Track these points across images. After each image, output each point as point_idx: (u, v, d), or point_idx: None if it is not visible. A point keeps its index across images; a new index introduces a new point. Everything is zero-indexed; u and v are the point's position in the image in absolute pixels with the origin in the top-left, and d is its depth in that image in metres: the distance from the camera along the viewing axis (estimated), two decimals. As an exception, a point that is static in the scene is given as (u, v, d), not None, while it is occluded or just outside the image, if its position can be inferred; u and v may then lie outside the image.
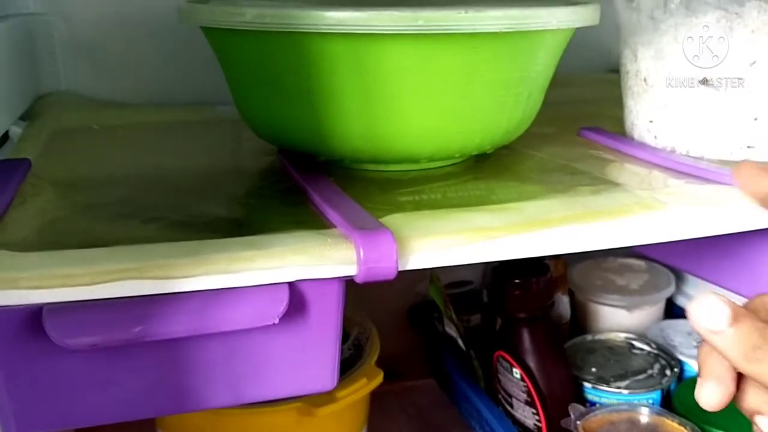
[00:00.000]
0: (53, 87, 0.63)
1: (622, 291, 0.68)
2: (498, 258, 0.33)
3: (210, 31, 0.43)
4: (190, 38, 0.66)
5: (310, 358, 0.33)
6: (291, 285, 0.31)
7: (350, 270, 0.31)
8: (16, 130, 0.53)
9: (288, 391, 0.33)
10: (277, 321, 0.31)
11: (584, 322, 0.69)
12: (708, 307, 0.31)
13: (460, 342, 0.63)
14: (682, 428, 0.52)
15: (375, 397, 0.58)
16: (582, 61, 0.72)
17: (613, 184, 0.40)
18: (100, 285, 0.28)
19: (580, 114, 0.60)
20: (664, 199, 0.38)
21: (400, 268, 0.32)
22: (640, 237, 0.35)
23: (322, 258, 0.31)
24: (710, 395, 0.31)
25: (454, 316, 0.63)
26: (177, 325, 0.29)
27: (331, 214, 0.34)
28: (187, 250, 0.30)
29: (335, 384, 0.34)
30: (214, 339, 0.31)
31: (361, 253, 0.31)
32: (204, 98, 0.67)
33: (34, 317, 0.29)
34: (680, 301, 0.74)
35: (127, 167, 0.47)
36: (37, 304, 0.28)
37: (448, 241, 0.33)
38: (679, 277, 0.73)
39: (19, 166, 0.42)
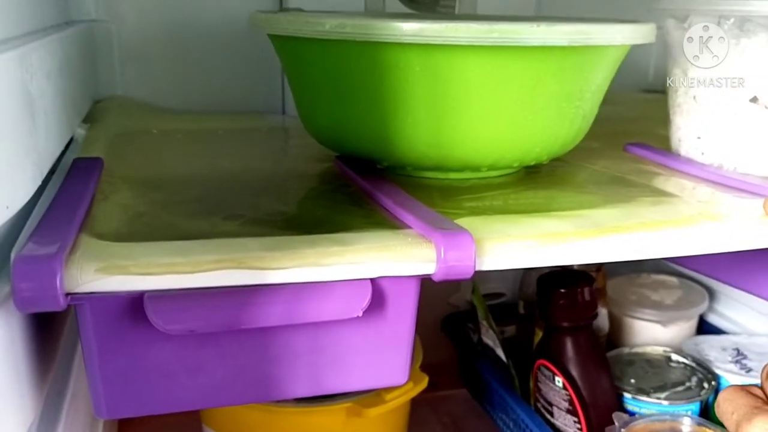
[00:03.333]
0: (110, 92, 0.65)
1: (657, 306, 0.69)
2: (571, 262, 0.34)
3: (282, 40, 0.44)
4: (241, 49, 0.68)
5: (386, 353, 0.35)
6: (373, 281, 0.33)
7: (429, 268, 0.33)
8: (80, 132, 0.54)
9: (364, 384, 0.35)
10: (360, 314, 0.32)
11: (619, 336, 0.70)
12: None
13: (499, 351, 0.64)
14: (723, 440, 0.52)
15: (411, 406, 0.59)
16: (619, 81, 0.74)
17: (671, 196, 0.42)
18: (201, 273, 0.29)
19: (623, 131, 0.62)
20: (723, 211, 0.39)
21: (477, 269, 0.33)
22: (704, 247, 0.36)
23: (404, 256, 0.32)
24: None
25: (494, 325, 0.64)
26: (270, 315, 0.31)
27: (405, 216, 0.36)
28: (279, 244, 0.31)
29: (407, 379, 0.36)
30: (300, 330, 0.32)
31: (442, 253, 0.32)
32: (253, 107, 0.69)
33: (133, 304, 0.30)
34: (711, 318, 0.75)
35: (194, 168, 0.48)
36: (138, 291, 0.30)
37: (522, 243, 0.34)
38: (711, 294, 0.74)
39: (94, 165, 0.44)
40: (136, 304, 0.30)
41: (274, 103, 0.70)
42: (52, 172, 0.44)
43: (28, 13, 0.42)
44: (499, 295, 0.79)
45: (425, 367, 0.62)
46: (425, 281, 0.34)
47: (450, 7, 0.68)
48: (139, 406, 0.32)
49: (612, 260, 0.35)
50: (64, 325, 0.38)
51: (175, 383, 0.32)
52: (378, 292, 0.33)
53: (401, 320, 0.34)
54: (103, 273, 0.28)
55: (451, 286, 0.77)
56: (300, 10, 0.57)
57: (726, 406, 0.32)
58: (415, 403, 0.62)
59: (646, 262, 0.75)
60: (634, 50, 0.46)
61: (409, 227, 0.35)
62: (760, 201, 0.42)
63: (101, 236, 0.32)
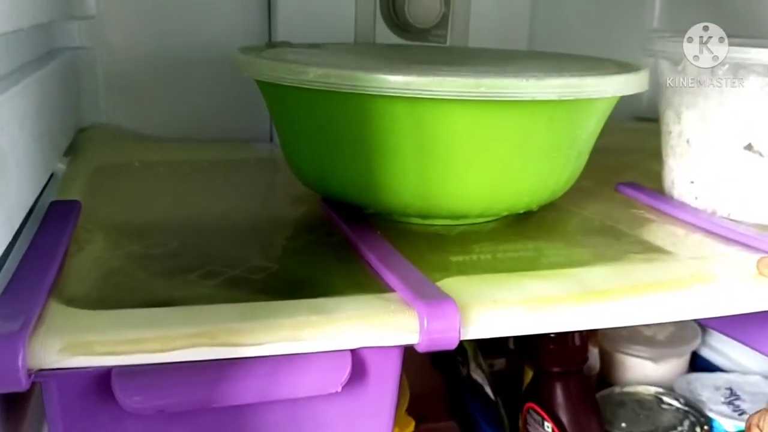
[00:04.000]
0: (93, 120, 0.64)
1: (649, 342, 0.68)
2: (560, 329, 0.33)
3: (265, 85, 0.43)
4: (227, 77, 0.67)
5: (366, 424, 0.33)
6: (353, 352, 0.31)
7: (412, 339, 0.31)
8: (60, 167, 0.53)
9: (344, 456, 0.33)
10: (340, 389, 0.31)
11: (611, 373, 0.69)
12: None
13: (488, 389, 0.63)
14: (714, 489, 0.51)
15: (399, 439, 0.58)
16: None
17: (663, 252, 0.41)
18: (170, 352, 0.28)
19: (615, 165, 0.60)
20: (715, 270, 0.38)
21: (462, 338, 0.32)
22: (696, 311, 0.35)
23: (386, 326, 0.31)
24: None
25: (483, 363, 0.63)
26: (244, 392, 0.29)
27: (389, 277, 0.35)
28: (255, 313, 0.30)
29: (388, 449, 0.34)
30: (276, 406, 0.31)
31: (425, 323, 0.31)
32: (240, 134, 0.68)
33: (101, 380, 0.29)
34: (705, 352, 0.75)
35: (174, 212, 0.47)
36: (106, 367, 0.28)
37: (509, 311, 0.33)
38: (704, 330, 0.73)
39: (72, 209, 0.43)
40: (104, 380, 0.29)
41: (262, 131, 0.69)
42: (29, 213, 0.43)
43: (3, 53, 0.40)
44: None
45: (415, 398, 0.61)
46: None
47: (441, 36, 0.67)
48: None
49: (603, 326, 0.34)
50: (29, 399, 0.36)
51: (145, 460, 0.31)
52: (358, 363, 0.32)
53: (383, 391, 0.33)
54: (67, 352, 0.27)
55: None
56: (287, 43, 0.56)
57: None
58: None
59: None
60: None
61: (393, 290, 0.34)
62: (754, 256, 0.41)
63: (71, 302, 0.31)
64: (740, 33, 0.48)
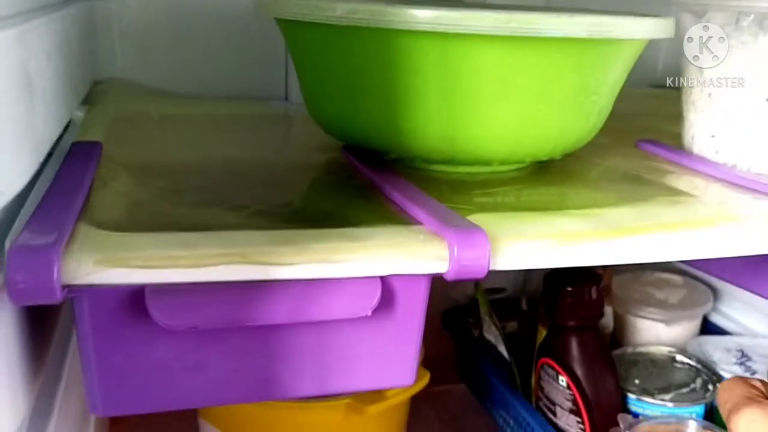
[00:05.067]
0: (109, 74, 0.64)
1: (662, 305, 0.69)
2: (589, 263, 0.33)
3: (291, 25, 0.43)
4: (243, 33, 0.67)
5: (394, 353, 0.33)
6: (383, 279, 0.31)
7: (442, 267, 0.31)
8: (78, 114, 0.53)
9: (371, 385, 0.34)
10: (369, 313, 0.31)
11: (623, 335, 0.69)
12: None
13: (501, 348, 0.63)
14: (728, 444, 0.52)
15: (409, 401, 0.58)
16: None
17: (688, 195, 0.40)
18: (205, 268, 0.28)
19: (633, 127, 0.60)
20: (740, 212, 0.38)
21: (491, 268, 0.32)
22: (723, 249, 0.35)
23: (416, 254, 0.31)
24: None
25: (497, 322, 0.63)
26: (275, 312, 0.29)
27: (416, 211, 0.34)
28: (286, 238, 0.30)
29: (414, 380, 0.34)
30: (306, 328, 0.31)
31: (456, 251, 0.31)
32: (255, 92, 0.67)
33: (133, 297, 0.29)
34: (715, 317, 0.75)
35: (195, 156, 0.47)
36: (139, 285, 0.28)
37: (538, 243, 0.33)
38: (715, 294, 0.73)
39: (93, 149, 0.43)
40: (136, 298, 0.29)
41: (278, 90, 0.68)
42: (49, 155, 0.43)
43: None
44: (501, 290, 0.78)
45: (424, 360, 0.61)
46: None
47: (460, -5, 0.67)
48: (136, 403, 0.31)
49: (631, 262, 0.34)
50: (58, 316, 0.36)
51: (175, 381, 0.31)
52: (387, 290, 0.32)
53: (410, 320, 0.33)
54: (103, 265, 0.27)
55: (452, 279, 0.76)
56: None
57: (723, 395, 0.31)
58: (414, 399, 0.61)
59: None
60: (645, 45, 0.45)
61: (420, 223, 0.34)
62: (779, 203, 0.41)
63: (101, 225, 0.31)
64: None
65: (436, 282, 0.32)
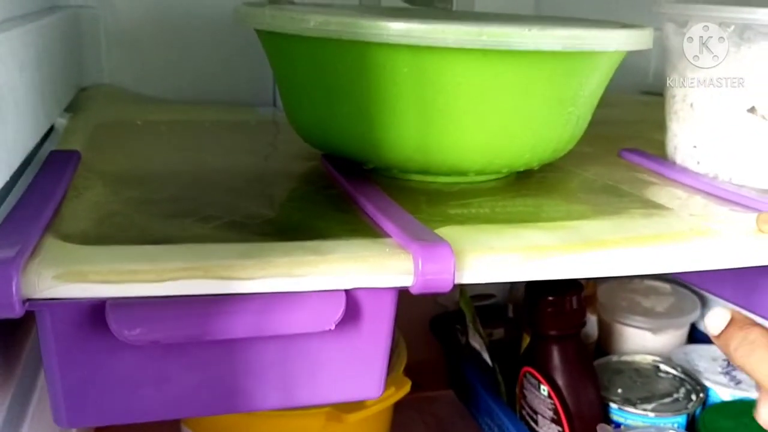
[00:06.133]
0: (96, 80, 0.64)
1: (648, 313, 0.68)
2: (554, 276, 0.33)
3: (268, 36, 0.43)
4: (231, 39, 0.67)
5: (360, 366, 0.33)
6: (347, 292, 0.31)
7: (407, 281, 0.31)
8: (61, 121, 0.53)
9: (337, 397, 0.34)
10: (333, 327, 0.31)
11: (609, 342, 0.69)
12: (711, 316, 0.35)
13: (485, 355, 0.63)
14: (708, 455, 0.52)
15: (394, 406, 0.58)
16: (617, 83, 0.73)
17: (663, 208, 0.40)
18: (166, 283, 0.28)
19: (618, 135, 0.60)
20: (714, 227, 0.38)
21: (456, 282, 0.32)
22: (694, 263, 0.35)
23: (381, 267, 0.31)
24: None
25: (481, 329, 0.63)
26: (236, 326, 0.29)
27: (385, 224, 0.35)
28: (250, 251, 0.30)
29: (381, 393, 0.34)
30: (269, 341, 0.31)
31: (420, 265, 0.31)
32: (243, 98, 0.68)
33: (95, 311, 0.29)
34: (702, 326, 0.74)
35: (174, 164, 0.47)
36: (100, 298, 0.28)
37: (504, 257, 0.33)
38: (703, 302, 0.73)
39: (71, 158, 0.43)
40: (98, 311, 0.29)
41: (265, 95, 0.68)
42: (27, 164, 0.43)
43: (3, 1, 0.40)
44: (490, 296, 0.77)
45: (411, 366, 0.61)
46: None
47: (447, 2, 0.67)
48: (101, 415, 0.31)
49: (597, 276, 0.34)
50: (31, 329, 0.36)
51: (139, 393, 0.31)
52: (353, 303, 0.32)
53: (376, 332, 0.33)
54: (62, 279, 0.27)
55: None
56: (291, 2, 0.56)
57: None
58: (399, 404, 0.61)
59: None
60: (634, 52, 0.45)
61: (389, 236, 0.34)
62: (754, 215, 0.41)
63: (67, 238, 0.31)
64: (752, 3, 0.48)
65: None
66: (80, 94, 0.61)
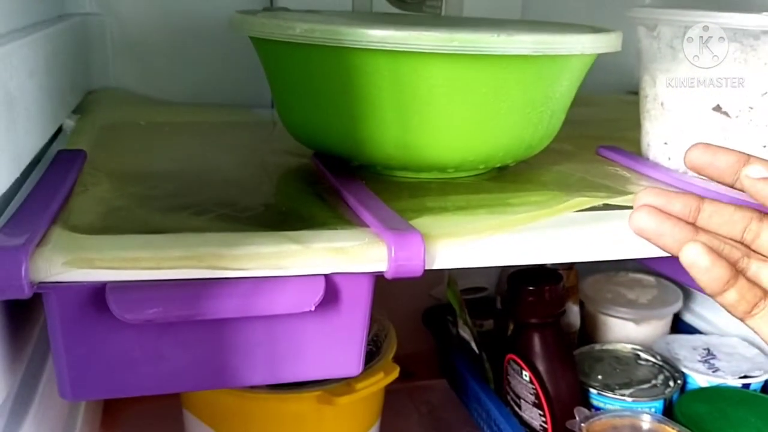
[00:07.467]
0: (103, 83, 0.67)
1: (632, 304, 0.71)
2: (519, 261, 0.36)
3: (259, 42, 0.46)
4: (232, 43, 0.70)
5: (340, 345, 0.36)
6: (327, 277, 0.34)
7: (381, 266, 0.34)
8: (69, 123, 0.56)
9: (318, 374, 0.37)
10: (313, 308, 0.34)
11: (593, 333, 0.71)
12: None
13: (473, 345, 0.66)
14: (682, 436, 0.54)
15: (388, 394, 0.61)
16: (604, 82, 0.75)
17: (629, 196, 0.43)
18: (163, 270, 0.31)
19: (600, 133, 0.63)
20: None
21: (427, 267, 0.35)
22: (658, 250, 0.38)
23: (357, 255, 0.34)
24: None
25: (468, 320, 0.66)
26: (225, 307, 0.33)
27: (365, 215, 0.38)
28: (239, 241, 0.33)
29: (360, 370, 0.37)
30: (256, 322, 0.34)
31: (393, 252, 0.34)
32: (243, 101, 0.71)
33: (98, 294, 0.32)
34: (687, 317, 0.77)
35: (175, 163, 0.50)
36: (101, 282, 0.32)
37: (472, 241, 0.36)
38: (686, 294, 0.75)
39: (77, 157, 0.46)
40: (99, 293, 0.32)
41: (263, 97, 0.71)
42: (36, 163, 0.46)
43: (14, 9, 0.43)
44: (482, 289, 0.80)
45: (406, 357, 0.64)
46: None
47: (436, 7, 0.70)
48: (102, 389, 0.34)
49: (562, 261, 0.37)
50: (39, 316, 0.40)
51: (136, 369, 0.34)
52: (332, 287, 0.35)
53: (354, 314, 0.36)
54: (70, 265, 0.31)
55: (433, 278, 0.79)
56: (285, 9, 0.59)
57: None
58: (393, 392, 0.64)
59: (625, 259, 0.76)
60: (619, 53, 0.47)
61: (367, 226, 0.37)
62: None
63: (74, 229, 0.34)
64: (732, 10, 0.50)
65: (418, 281, 0.36)
66: (87, 96, 0.65)
